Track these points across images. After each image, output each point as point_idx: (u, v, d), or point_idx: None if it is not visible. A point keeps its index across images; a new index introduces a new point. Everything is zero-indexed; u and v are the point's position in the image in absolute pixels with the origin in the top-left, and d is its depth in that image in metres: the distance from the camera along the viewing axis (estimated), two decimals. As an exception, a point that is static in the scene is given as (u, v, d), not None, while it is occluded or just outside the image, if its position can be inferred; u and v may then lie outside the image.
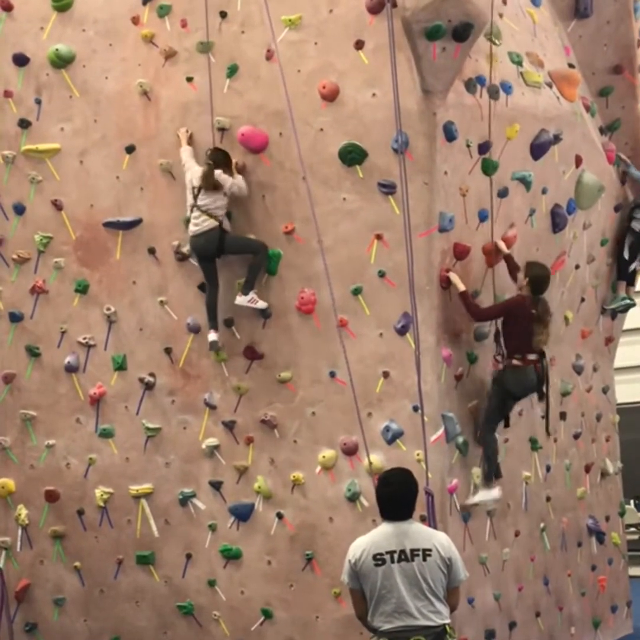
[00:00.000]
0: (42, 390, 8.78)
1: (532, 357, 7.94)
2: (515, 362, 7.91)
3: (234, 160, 7.91)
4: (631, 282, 10.33)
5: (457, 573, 5.47)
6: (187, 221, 7.95)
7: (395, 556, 5.35)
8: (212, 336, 7.95)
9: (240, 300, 7.87)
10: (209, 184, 7.76)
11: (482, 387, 8.23)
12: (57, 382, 8.74)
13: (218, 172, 7.79)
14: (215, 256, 7.93)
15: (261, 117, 7.87)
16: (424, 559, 5.35)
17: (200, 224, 7.84)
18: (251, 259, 7.90)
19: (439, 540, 5.48)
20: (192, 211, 7.88)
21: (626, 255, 10.10)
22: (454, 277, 7.74)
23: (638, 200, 10.06)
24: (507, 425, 8.21)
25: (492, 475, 8.00)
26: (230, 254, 7.96)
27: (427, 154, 7.45)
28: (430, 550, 5.38)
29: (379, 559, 5.38)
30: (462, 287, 7.73)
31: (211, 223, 7.83)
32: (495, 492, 7.96)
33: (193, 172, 7.92)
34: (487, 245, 8.14)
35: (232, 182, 7.82)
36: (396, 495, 5.49)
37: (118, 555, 8.54)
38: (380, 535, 5.48)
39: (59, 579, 8.79)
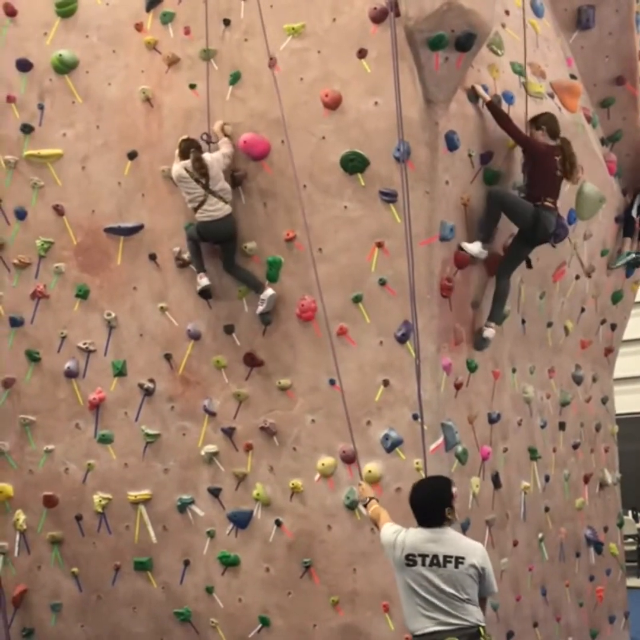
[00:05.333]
0: (41, 395, 8.78)
1: (557, 204, 8.01)
2: (548, 203, 7.91)
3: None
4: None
5: (489, 585, 5.53)
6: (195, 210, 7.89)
7: (427, 560, 5.40)
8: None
9: (266, 293, 7.85)
10: (203, 171, 7.75)
11: (482, 396, 8.24)
12: (56, 387, 8.74)
13: (207, 155, 7.83)
14: (228, 240, 7.95)
15: (263, 124, 7.89)
16: (456, 566, 5.38)
17: (219, 209, 7.82)
18: (236, 273, 8.02)
19: (474, 549, 5.52)
20: (205, 200, 7.81)
21: (635, 214, 10.16)
22: (477, 88, 7.74)
23: None
24: (529, 266, 8.29)
25: (499, 316, 8.11)
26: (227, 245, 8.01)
27: (428, 163, 7.47)
28: (463, 558, 5.41)
29: (410, 559, 5.44)
30: (487, 97, 7.75)
31: (227, 208, 7.85)
32: (479, 248, 7.86)
33: (177, 168, 7.90)
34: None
35: (222, 154, 7.84)
36: (422, 502, 5.54)
37: (116, 561, 8.53)
38: (416, 537, 5.50)
39: (57, 584, 8.78)
